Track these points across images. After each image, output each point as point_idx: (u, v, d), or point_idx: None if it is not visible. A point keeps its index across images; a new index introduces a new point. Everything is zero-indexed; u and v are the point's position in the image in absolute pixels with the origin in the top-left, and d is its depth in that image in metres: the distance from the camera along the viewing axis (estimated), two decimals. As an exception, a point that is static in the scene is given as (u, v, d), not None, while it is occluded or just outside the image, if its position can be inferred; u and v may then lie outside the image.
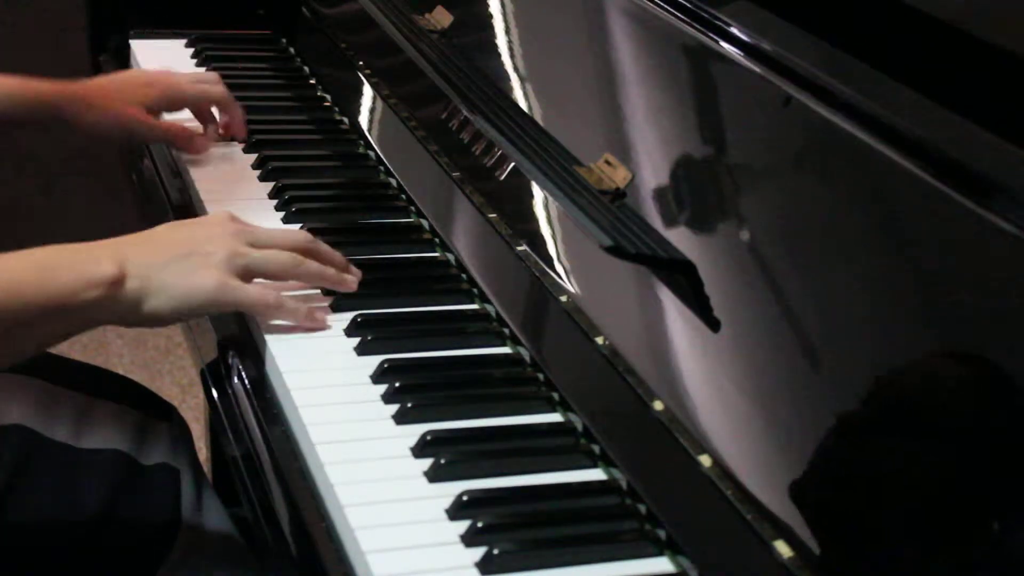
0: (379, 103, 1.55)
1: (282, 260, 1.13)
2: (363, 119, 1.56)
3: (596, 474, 1.00)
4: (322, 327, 1.14)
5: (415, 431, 1.01)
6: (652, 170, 1.12)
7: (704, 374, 0.98)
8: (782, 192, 1.01)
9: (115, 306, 1.06)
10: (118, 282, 1.05)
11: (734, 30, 1.09)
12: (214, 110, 1.52)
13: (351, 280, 1.17)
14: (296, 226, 1.32)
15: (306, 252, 1.15)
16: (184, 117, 1.52)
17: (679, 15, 1.15)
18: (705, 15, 1.13)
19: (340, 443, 1.01)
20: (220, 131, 1.52)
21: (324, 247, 1.17)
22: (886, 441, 0.84)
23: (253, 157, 1.48)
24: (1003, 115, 0.88)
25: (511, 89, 1.33)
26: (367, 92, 1.58)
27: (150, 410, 1.36)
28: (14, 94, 1.42)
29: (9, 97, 1.42)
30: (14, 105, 1.42)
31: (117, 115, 1.45)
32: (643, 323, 1.06)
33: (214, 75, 1.54)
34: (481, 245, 1.25)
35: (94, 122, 1.44)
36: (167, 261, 1.08)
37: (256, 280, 1.13)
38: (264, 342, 1.13)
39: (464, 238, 1.28)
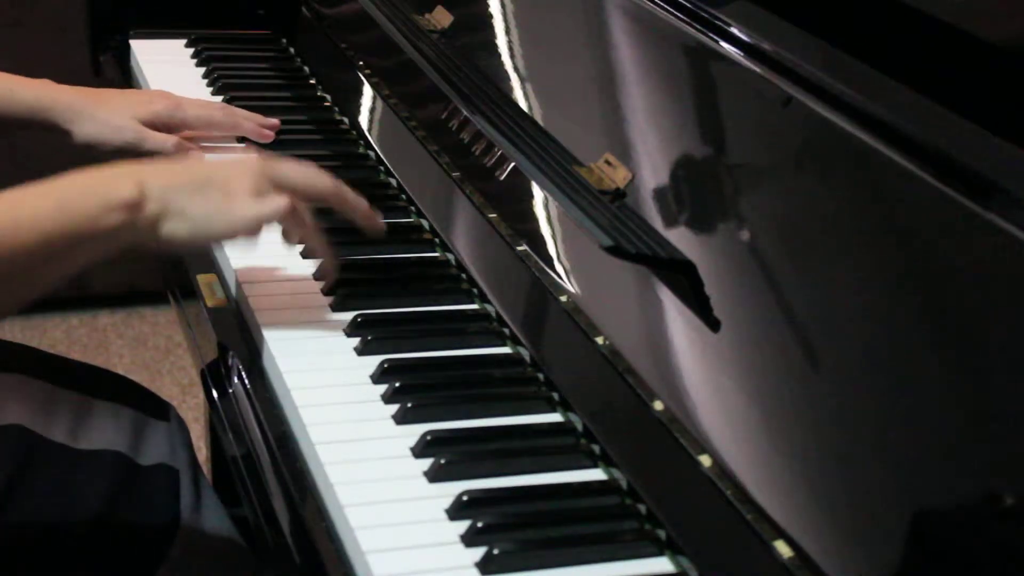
0: (379, 103, 1.55)
1: (315, 179, 1.14)
2: (363, 119, 1.56)
3: (596, 474, 1.00)
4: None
5: (415, 431, 1.01)
6: (652, 170, 1.12)
7: (704, 374, 0.98)
8: (782, 192, 1.01)
9: (135, 229, 1.06)
10: (138, 205, 1.05)
11: (734, 30, 1.09)
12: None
13: (381, 221, 1.19)
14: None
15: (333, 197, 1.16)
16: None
17: (679, 15, 1.15)
18: (705, 15, 1.13)
19: (340, 443, 1.01)
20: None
21: (351, 195, 1.17)
22: (886, 440, 0.84)
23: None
24: (1003, 115, 0.88)
25: (511, 89, 1.33)
26: (367, 92, 1.58)
27: (149, 410, 1.36)
28: (8, 95, 1.42)
29: (3, 96, 1.42)
30: (8, 106, 1.42)
31: (115, 127, 1.44)
32: (643, 323, 1.06)
33: (221, 105, 1.52)
34: (481, 245, 1.25)
35: (91, 133, 1.43)
36: (187, 185, 1.08)
37: None
38: (264, 342, 1.13)
39: (464, 238, 1.28)
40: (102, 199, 1.04)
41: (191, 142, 1.47)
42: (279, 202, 1.11)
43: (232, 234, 1.12)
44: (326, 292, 1.20)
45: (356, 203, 1.17)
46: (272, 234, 1.33)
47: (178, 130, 1.47)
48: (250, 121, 1.50)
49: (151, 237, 1.07)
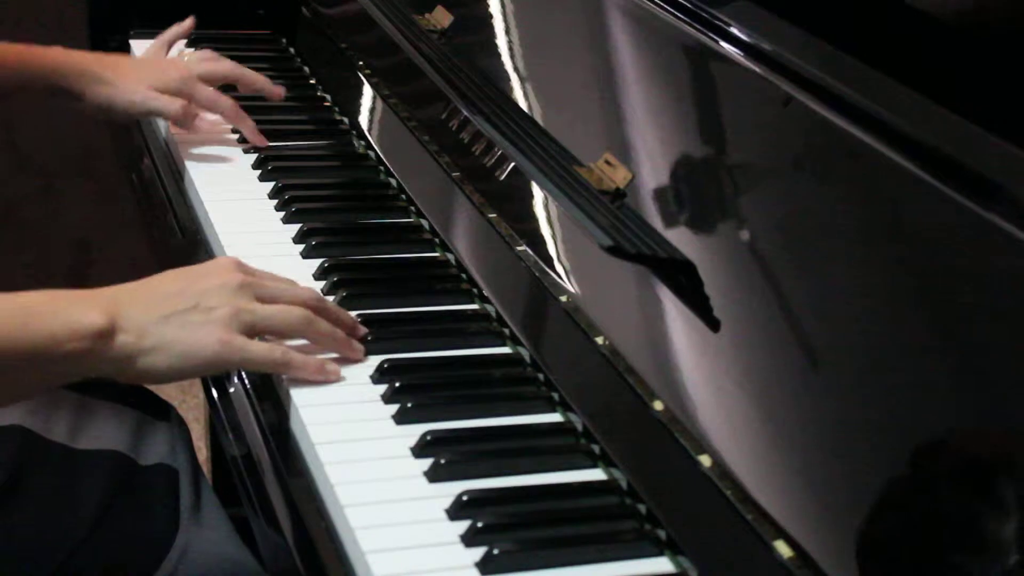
0: (379, 103, 1.55)
1: (291, 319, 1.06)
2: (363, 119, 1.56)
3: (596, 474, 1.00)
4: (336, 379, 1.08)
5: (415, 431, 1.01)
6: (652, 170, 1.12)
7: (704, 374, 0.98)
8: (782, 192, 1.01)
9: (101, 360, 1.00)
10: (107, 335, 0.99)
11: (734, 30, 1.09)
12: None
13: (360, 348, 1.10)
14: (296, 226, 1.32)
15: (314, 310, 1.09)
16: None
17: (679, 15, 1.15)
18: (705, 15, 1.13)
19: (340, 443, 1.01)
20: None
21: (332, 305, 1.12)
22: (886, 440, 0.84)
23: (253, 157, 1.48)
24: (1003, 115, 0.88)
25: (511, 89, 1.33)
26: (367, 92, 1.58)
27: (148, 410, 1.35)
28: (16, 60, 1.43)
29: (17, 64, 1.43)
30: (19, 71, 1.43)
31: (127, 90, 1.46)
32: (643, 323, 1.06)
33: (232, 100, 1.52)
34: (481, 245, 1.25)
35: (101, 97, 1.45)
36: (166, 316, 1.02)
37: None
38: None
39: (464, 238, 1.28)
40: (66, 323, 0.98)
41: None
42: (271, 355, 1.05)
43: (219, 372, 1.08)
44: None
45: (338, 316, 1.11)
46: (272, 235, 1.33)
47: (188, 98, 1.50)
48: (250, 124, 1.52)
49: (124, 369, 1.02)
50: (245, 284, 1.06)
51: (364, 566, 0.89)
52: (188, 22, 1.63)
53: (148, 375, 1.03)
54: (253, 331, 1.05)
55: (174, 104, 1.47)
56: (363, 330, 1.12)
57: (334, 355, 1.10)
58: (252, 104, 1.57)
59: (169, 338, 1.01)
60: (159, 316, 1.02)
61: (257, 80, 1.56)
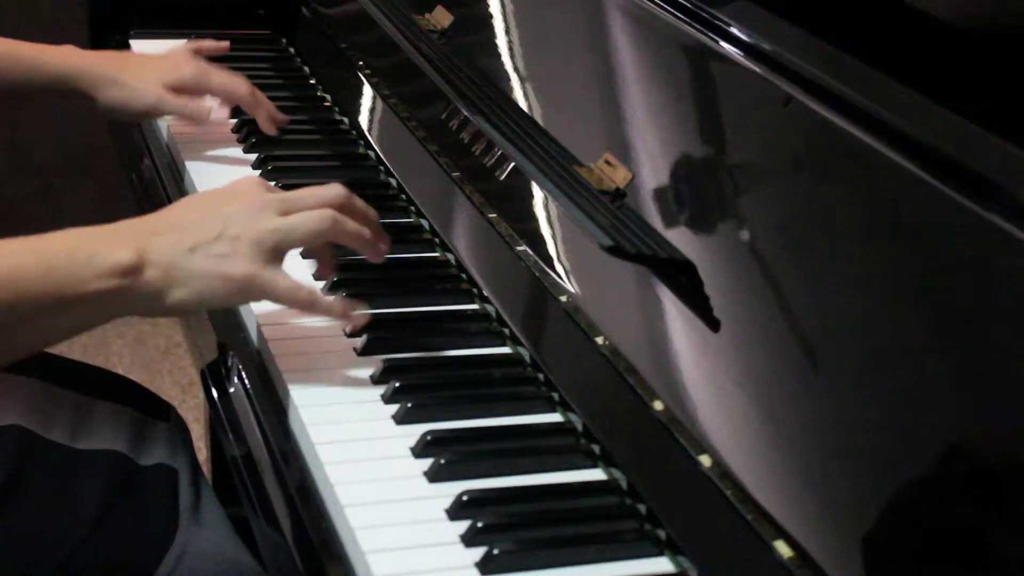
0: (379, 103, 1.55)
1: (316, 226, 1.05)
2: (363, 119, 1.56)
3: (596, 474, 1.00)
4: (362, 322, 1.10)
5: (415, 431, 1.01)
6: (652, 170, 1.12)
7: (704, 374, 0.98)
8: (782, 192, 1.01)
9: (132, 297, 0.98)
10: (135, 270, 0.98)
11: (734, 30, 1.09)
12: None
13: (383, 250, 1.10)
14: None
15: (341, 208, 1.07)
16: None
17: (679, 15, 1.15)
18: (705, 15, 1.13)
19: (340, 443, 1.01)
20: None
21: (359, 203, 1.09)
22: (886, 440, 0.84)
23: (253, 157, 1.48)
24: (1003, 115, 0.88)
25: (511, 89, 1.33)
26: (367, 92, 1.58)
27: (148, 410, 1.35)
28: (33, 61, 1.42)
29: (29, 65, 1.42)
30: (33, 73, 1.42)
31: (139, 91, 1.45)
32: (643, 323, 1.06)
33: (246, 81, 1.52)
34: (481, 245, 1.25)
35: (115, 98, 1.45)
36: (192, 248, 1.00)
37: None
38: (264, 342, 1.13)
39: (464, 238, 1.28)
40: (92, 262, 0.96)
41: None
42: (299, 293, 1.04)
43: (244, 303, 1.07)
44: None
45: (364, 214, 1.10)
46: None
47: (202, 95, 1.49)
48: (266, 108, 1.50)
49: (153, 306, 1.00)
50: (267, 203, 1.04)
51: (364, 566, 0.89)
52: (225, 44, 1.58)
53: (176, 309, 1.01)
54: (280, 251, 1.04)
55: (188, 105, 1.47)
56: (387, 236, 1.12)
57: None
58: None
59: (196, 271, 1.00)
60: (185, 248, 1.00)
61: (260, 113, 1.51)
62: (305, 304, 1.06)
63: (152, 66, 1.49)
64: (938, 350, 0.85)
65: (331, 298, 1.08)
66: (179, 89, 1.47)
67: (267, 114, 1.50)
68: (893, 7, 1.00)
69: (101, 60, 1.47)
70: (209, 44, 1.57)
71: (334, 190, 1.09)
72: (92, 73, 1.44)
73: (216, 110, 1.50)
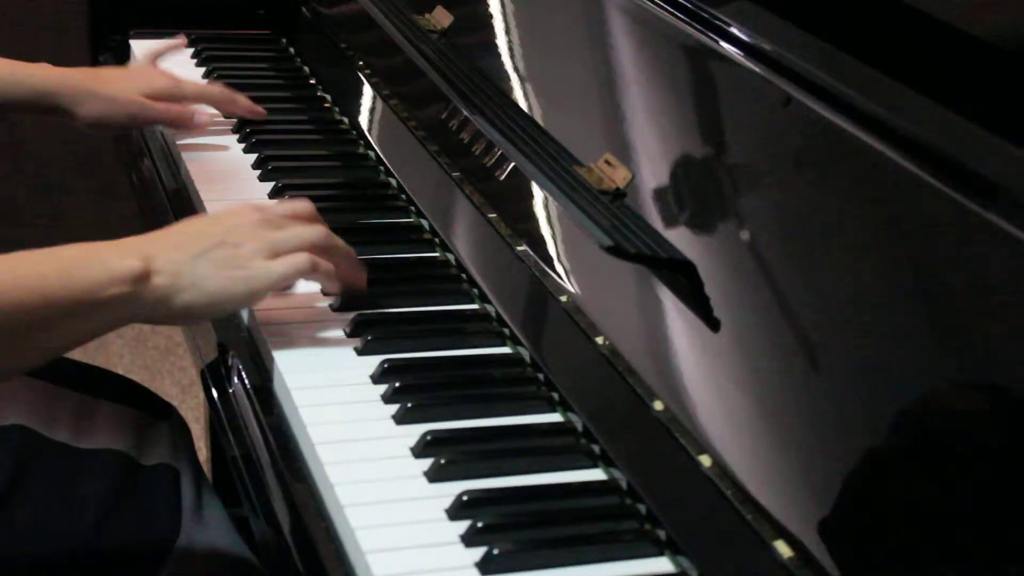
0: (379, 103, 1.55)
1: (311, 236, 1.12)
2: (363, 119, 1.56)
3: (596, 474, 1.00)
4: (361, 285, 1.16)
5: (415, 431, 1.01)
6: (652, 170, 1.12)
7: (704, 374, 0.98)
8: (782, 192, 1.01)
9: (141, 303, 1.03)
10: (144, 277, 1.02)
11: (734, 30, 1.09)
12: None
13: (363, 276, 1.17)
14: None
15: (322, 248, 1.14)
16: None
17: (679, 15, 1.15)
18: (705, 15, 1.13)
19: (340, 443, 1.01)
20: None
21: (340, 242, 1.16)
22: (886, 441, 0.84)
23: (253, 157, 1.48)
24: (1003, 115, 0.88)
25: (511, 89, 1.33)
26: (367, 92, 1.59)
27: (150, 410, 1.36)
28: (9, 78, 1.42)
29: (4, 81, 1.42)
30: (9, 90, 1.42)
31: (119, 102, 1.45)
32: (643, 323, 1.06)
33: (219, 85, 1.55)
34: (481, 245, 1.25)
35: (96, 111, 1.44)
36: (196, 255, 1.06)
37: None
38: (264, 342, 1.13)
39: (464, 238, 1.28)
40: (104, 269, 1.01)
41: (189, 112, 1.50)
42: (299, 261, 1.09)
43: (254, 301, 1.10)
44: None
45: (349, 256, 1.17)
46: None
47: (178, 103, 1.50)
48: (244, 103, 1.53)
49: (164, 311, 1.05)
50: (262, 220, 1.11)
51: (364, 566, 0.89)
52: (180, 39, 1.64)
53: (188, 313, 1.06)
54: (277, 255, 1.09)
55: (171, 109, 1.48)
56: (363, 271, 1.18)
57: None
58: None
59: (202, 275, 1.05)
60: (190, 255, 1.05)
61: (240, 103, 1.54)
62: (309, 268, 1.10)
63: (128, 78, 1.50)
64: (938, 350, 0.85)
65: (327, 263, 1.13)
66: (156, 98, 1.47)
67: (246, 106, 1.52)
68: (893, 7, 1.00)
69: (77, 75, 1.46)
70: (166, 44, 1.62)
71: (307, 203, 1.17)
72: (70, 87, 1.44)
73: (200, 113, 1.51)
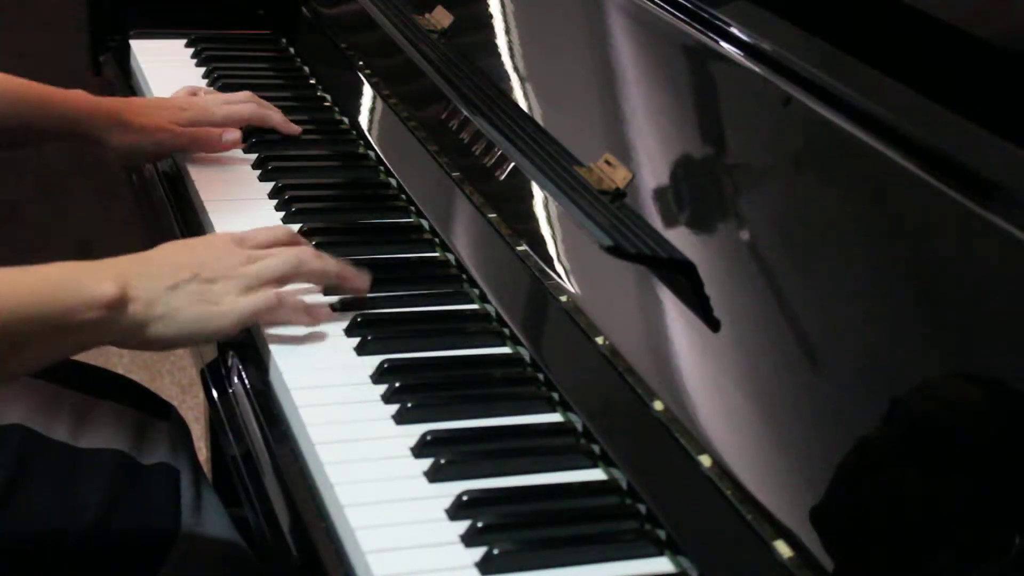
0: (379, 103, 1.55)
1: (282, 267, 1.13)
2: (363, 119, 1.56)
3: (596, 474, 1.00)
4: (322, 319, 1.15)
5: (415, 431, 1.01)
6: (652, 170, 1.12)
7: (704, 374, 0.98)
8: (782, 192, 1.01)
9: (114, 328, 1.05)
10: (119, 304, 1.04)
11: (734, 30, 1.09)
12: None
13: (365, 280, 1.18)
14: (296, 226, 1.32)
15: (295, 244, 1.17)
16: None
17: (679, 15, 1.15)
18: (705, 15, 1.13)
19: (340, 443, 1.01)
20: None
21: (316, 265, 1.16)
22: (886, 441, 0.84)
23: (253, 157, 1.48)
24: (1003, 115, 0.88)
25: (511, 89, 1.33)
26: (367, 92, 1.59)
27: (149, 410, 1.36)
28: (42, 105, 1.40)
29: (38, 109, 1.40)
30: (40, 117, 1.40)
31: (148, 130, 1.43)
32: (643, 323, 1.06)
33: (245, 94, 1.52)
34: (481, 245, 1.25)
35: (126, 142, 1.42)
36: (172, 287, 1.07)
37: None
38: (264, 342, 1.13)
39: (464, 238, 1.28)
40: (80, 293, 1.03)
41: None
42: (266, 298, 1.11)
43: (221, 336, 1.12)
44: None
45: (338, 272, 1.17)
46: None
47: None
48: (278, 114, 1.51)
49: (135, 338, 1.07)
50: (238, 252, 1.13)
51: (364, 566, 0.89)
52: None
53: (157, 342, 1.08)
54: (249, 290, 1.11)
55: (197, 137, 1.46)
56: (361, 276, 1.18)
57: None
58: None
59: (175, 307, 1.07)
60: (165, 287, 1.07)
61: (273, 119, 1.52)
62: (275, 306, 1.12)
63: (158, 106, 1.48)
64: (938, 350, 0.85)
65: (295, 300, 1.15)
66: (186, 125, 1.46)
67: (282, 119, 1.50)
68: (893, 7, 1.00)
69: (109, 103, 1.45)
70: (204, 90, 1.57)
71: (285, 229, 1.21)
72: (101, 116, 1.42)
73: (228, 132, 1.49)
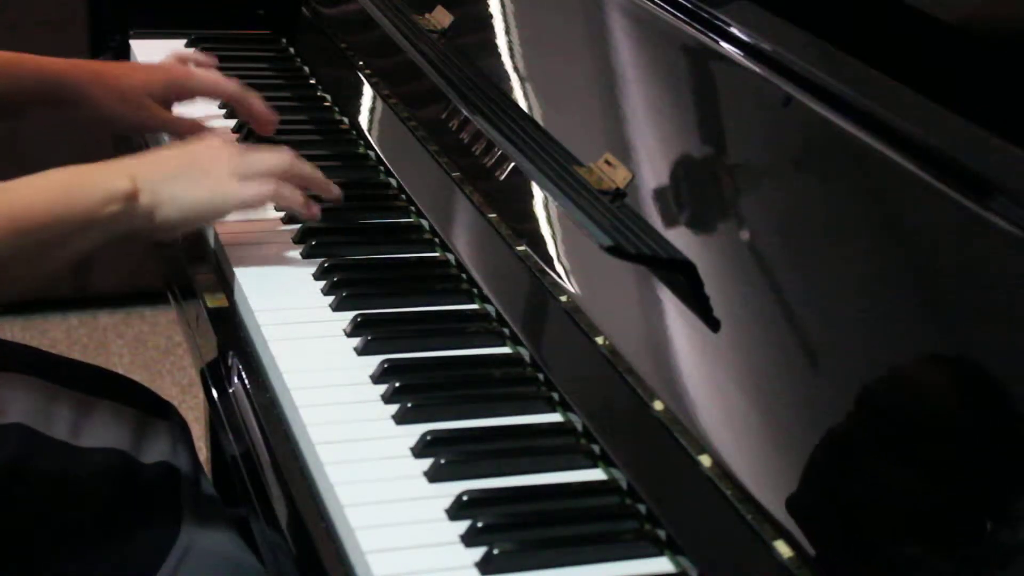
0: (379, 103, 1.55)
1: (278, 161, 1.23)
2: (363, 119, 1.56)
3: (596, 474, 1.00)
4: (316, 215, 1.26)
5: (415, 431, 1.01)
6: (652, 170, 1.12)
7: (704, 374, 0.98)
8: (782, 192, 1.01)
9: (131, 218, 1.15)
10: (133, 196, 1.15)
11: (734, 30, 1.09)
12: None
13: (336, 189, 1.29)
14: (296, 226, 1.32)
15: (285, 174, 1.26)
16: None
17: (679, 15, 1.15)
18: (705, 15, 1.13)
19: (340, 443, 1.01)
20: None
21: (306, 168, 1.27)
22: (886, 441, 0.84)
23: (253, 157, 1.48)
24: (1003, 115, 0.88)
25: (511, 89, 1.33)
26: (367, 92, 1.59)
27: (149, 409, 1.36)
28: (15, 68, 1.40)
29: (26, 75, 1.40)
30: (15, 80, 1.40)
31: (128, 101, 1.43)
32: (643, 323, 1.06)
33: (235, 81, 1.50)
34: (481, 245, 1.26)
35: (103, 106, 1.42)
36: (173, 174, 1.18)
37: None
38: (264, 342, 1.13)
39: (464, 238, 1.28)
40: (101, 190, 1.13)
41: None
42: (262, 188, 1.21)
43: (221, 216, 1.23)
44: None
45: (321, 182, 1.28)
46: (272, 235, 1.33)
47: (189, 98, 1.49)
48: (257, 106, 1.47)
49: (146, 225, 1.17)
50: (234, 147, 1.25)
51: (364, 566, 0.89)
52: (213, 59, 1.57)
53: (164, 226, 1.19)
54: (244, 176, 1.22)
55: (180, 124, 1.45)
56: (335, 189, 1.29)
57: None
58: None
59: (177, 192, 1.18)
60: (166, 175, 1.19)
61: (254, 105, 1.49)
62: (272, 194, 1.22)
63: (140, 78, 1.45)
64: (938, 349, 0.85)
65: (292, 190, 1.24)
66: (162, 95, 1.45)
67: (259, 112, 1.46)
68: (893, 7, 1.00)
69: (87, 66, 1.44)
70: (196, 55, 1.57)
71: (286, 151, 1.27)
72: (77, 78, 1.41)
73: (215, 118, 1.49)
